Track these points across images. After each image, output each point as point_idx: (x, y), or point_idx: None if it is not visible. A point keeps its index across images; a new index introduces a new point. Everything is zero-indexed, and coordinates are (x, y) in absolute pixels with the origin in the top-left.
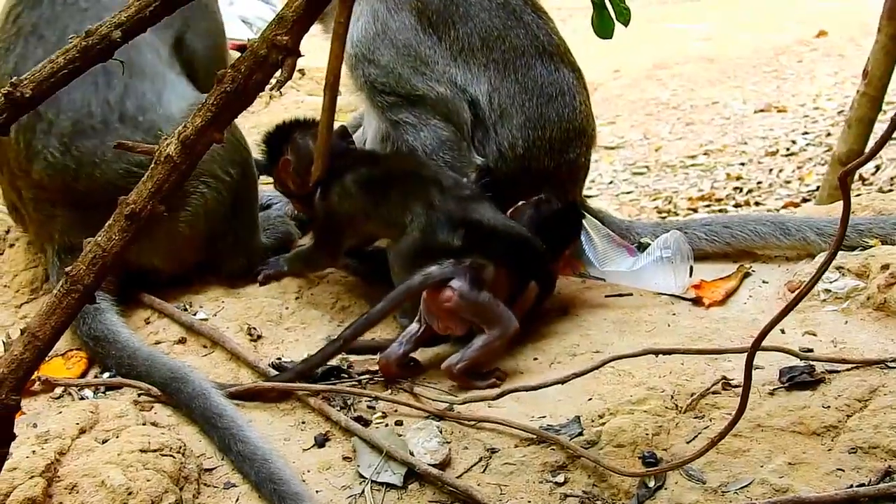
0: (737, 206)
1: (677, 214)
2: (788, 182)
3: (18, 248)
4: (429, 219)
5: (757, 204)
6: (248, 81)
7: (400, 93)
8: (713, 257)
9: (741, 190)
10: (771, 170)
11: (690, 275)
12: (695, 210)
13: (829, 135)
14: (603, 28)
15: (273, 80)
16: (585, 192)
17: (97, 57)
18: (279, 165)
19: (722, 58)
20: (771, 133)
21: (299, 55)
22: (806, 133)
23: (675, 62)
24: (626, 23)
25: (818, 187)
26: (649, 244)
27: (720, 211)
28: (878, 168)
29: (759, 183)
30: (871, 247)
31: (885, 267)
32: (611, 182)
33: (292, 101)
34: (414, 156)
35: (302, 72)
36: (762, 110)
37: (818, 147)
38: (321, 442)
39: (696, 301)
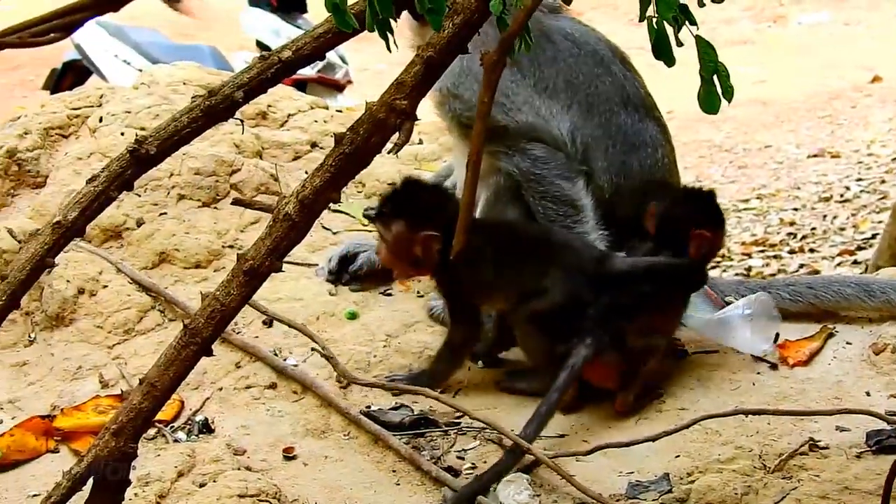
0: (791, 252)
1: (731, 259)
2: (843, 229)
3: (111, 289)
4: (568, 281)
5: (811, 251)
6: (366, 144)
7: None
8: (796, 317)
9: (795, 236)
10: (825, 216)
11: (776, 340)
12: (749, 255)
13: (883, 182)
14: (709, 103)
15: (390, 144)
16: None
17: (220, 116)
18: (419, 237)
19: (776, 101)
20: (824, 178)
21: (416, 119)
22: (860, 179)
23: (728, 105)
24: (730, 100)
25: (873, 235)
26: (733, 302)
27: (775, 257)
28: None
29: (812, 229)
30: None
31: None
32: None
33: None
34: (539, 223)
35: None
36: (816, 155)
37: (872, 194)
38: (411, 492)
39: (781, 361)
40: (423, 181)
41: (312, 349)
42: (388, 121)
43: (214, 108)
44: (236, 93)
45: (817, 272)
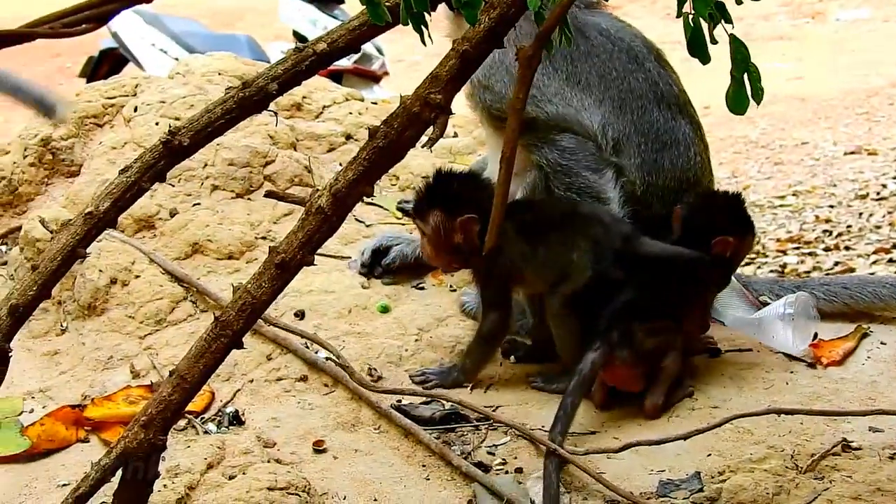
0: (826, 249)
1: (766, 256)
2: (879, 227)
3: (144, 279)
4: (596, 255)
5: (847, 248)
6: (400, 137)
7: None
8: (831, 317)
9: (830, 233)
10: (861, 213)
11: (814, 339)
12: (784, 252)
13: None
14: (738, 103)
15: (424, 138)
16: None
17: (253, 108)
18: (458, 223)
19: (813, 98)
20: (861, 176)
21: (451, 113)
22: None
23: (765, 101)
24: (759, 102)
25: None
26: (769, 302)
27: (810, 254)
28: None
29: (848, 227)
30: None
31: None
32: None
33: None
34: (568, 199)
35: None
36: (853, 152)
37: None
38: (441, 487)
39: (815, 360)
40: (453, 170)
41: (327, 358)
42: (423, 115)
43: (248, 100)
44: (270, 85)
45: (852, 270)
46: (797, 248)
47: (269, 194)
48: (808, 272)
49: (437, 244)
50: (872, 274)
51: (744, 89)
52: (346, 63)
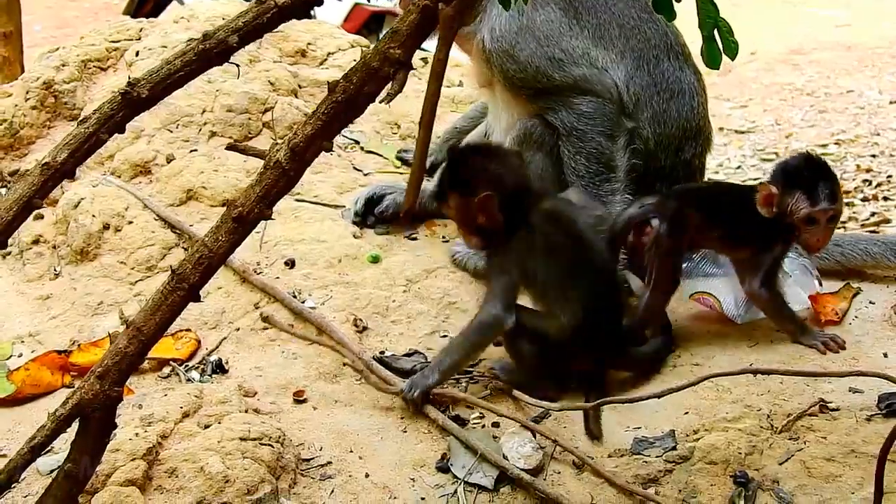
0: (864, 199)
1: None
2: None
3: (136, 224)
4: (577, 320)
5: (885, 199)
6: (359, 92)
7: (536, 86)
8: (823, 274)
9: (870, 183)
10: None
11: (820, 284)
12: None
13: None
14: (712, 59)
15: (384, 93)
16: (712, 175)
17: (214, 60)
18: (477, 200)
19: (860, 46)
20: None
21: (411, 68)
22: None
23: (812, 48)
24: (732, 56)
25: None
26: None
27: (848, 204)
28: None
29: (889, 177)
30: None
31: None
32: (738, 167)
33: (412, 89)
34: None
35: (424, 60)
36: None
37: None
38: (417, 440)
39: (815, 315)
40: (467, 147)
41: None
42: (382, 70)
43: (209, 53)
44: (231, 37)
45: (888, 221)
46: None
47: (230, 147)
48: (844, 222)
49: (464, 226)
50: None
51: (715, 44)
52: (388, 4)
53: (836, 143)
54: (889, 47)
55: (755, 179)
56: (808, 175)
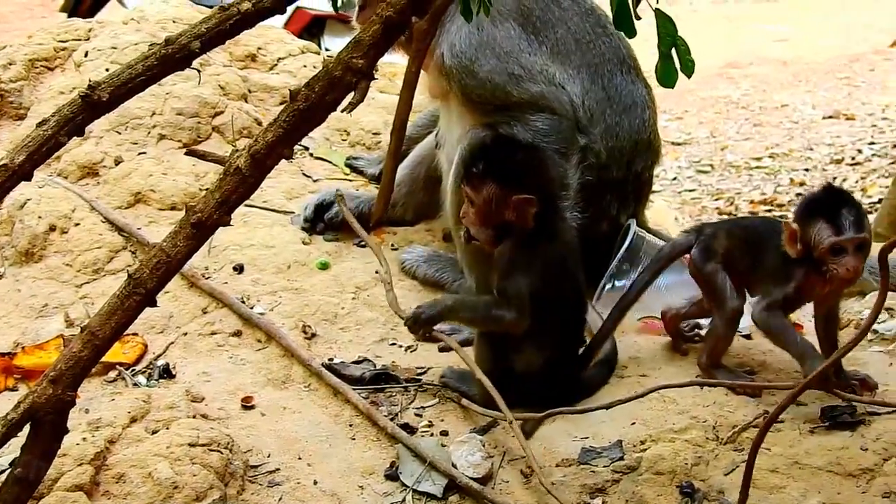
0: None
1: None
2: (851, 192)
3: (83, 227)
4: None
5: None
6: (321, 101)
7: (494, 102)
8: None
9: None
10: (835, 178)
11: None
12: (755, 214)
13: (895, 146)
14: (667, 77)
15: (345, 103)
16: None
17: (175, 65)
18: (518, 198)
19: (797, 61)
20: (838, 140)
21: (373, 78)
22: (872, 143)
23: (749, 62)
24: (689, 75)
25: (880, 199)
26: None
27: (782, 217)
28: None
29: None
30: None
31: None
32: (675, 179)
33: None
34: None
35: (375, 68)
36: (831, 117)
37: (883, 158)
38: (366, 447)
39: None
40: (515, 140)
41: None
42: (344, 79)
43: (170, 57)
44: (193, 42)
45: None
46: (769, 211)
47: (189, 153)
48: None
49: (485, 217)
50: None
51: (671, 63)
52: (329, 9)
53: (770, 157)
54: (824, 63)
55: (691, 191)
56: (828, 204)
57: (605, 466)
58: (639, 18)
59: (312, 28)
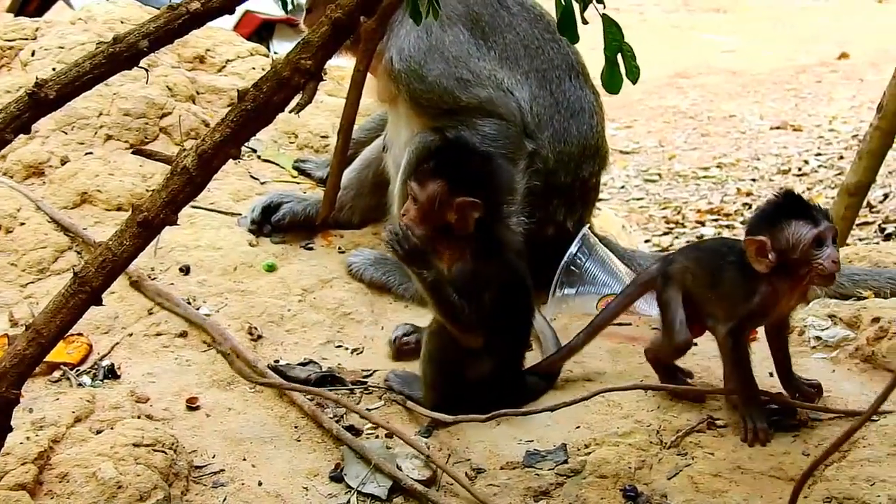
0: (744, 223)
1: (685, 227)
2: None
3: (28, 226)
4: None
5: None
6: (268, 101)
7: (442, 106)
8: None
9: (750, 207)
10: (781, 189)
11: None
12: (702, 223)
13: (841, 158)
14: (612, 83)
15: (292, 103)
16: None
17: (123, 64)
18: (461, 200)
19: (744, 72)
20: (784, 151)
21: (321, 79)
22: (819, 154)
23: (697, 72)
24: (634, 80)
25: None
26: None
27: (728, 226)
28: (886, 196)
29: None
30: (865, 298)
31: (876, 320)
32: (622, 187)
33: None
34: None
35: (325, 71)
36: (778, 127)
37: (829, 169)
38: (311, 449)
39: None
40: (468, 144)
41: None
42: (293, 80)
43: (118, 56)
44: (141, 41)
45: None
46: (716, 220)
47: (136, 152)
48: None
49: (426, 216)
50: None
51: (617, 68)
52: (279, 13)
53: (717, 167)
54: (772, 74)
55: (638, 199)
56: (794, 206)
57: (549, 470)
58: (585, 23)
59: (262, 32)
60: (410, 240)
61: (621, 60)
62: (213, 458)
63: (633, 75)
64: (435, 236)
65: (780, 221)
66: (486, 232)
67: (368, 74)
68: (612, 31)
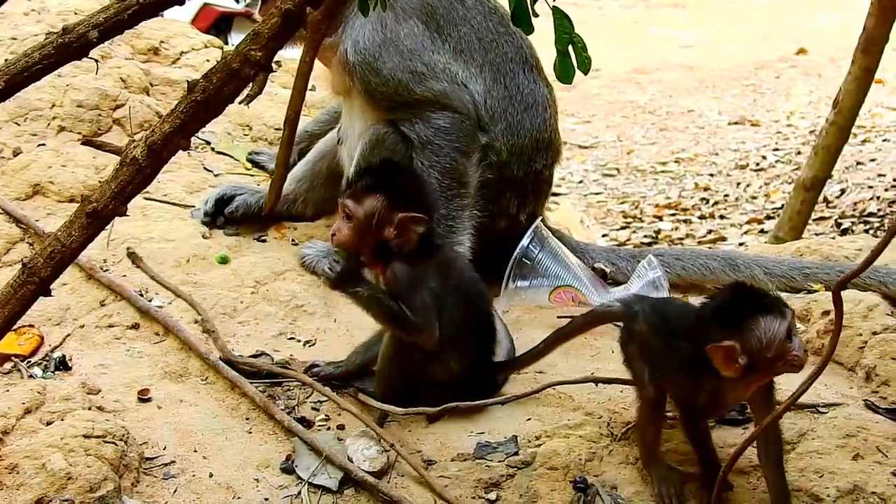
0: (702, 217)
1: (642, 221)
2: (755, 198)
3: None
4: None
5: (722, 217)
6: (218, 92)
7: (396, 99)
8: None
9: (707, 201)
10: (739, 183)
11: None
12: (660, 218)
13: (798, 153)
14: (565, 74)
15: (243, 94)
16: (555, 188)
17: (72, 55)
18: (398, 217)
19: (703, 67)
20: (742, 146)
21: (271, 71)
22: (777, 149)
23: (656, 67)
24: (585, 71)
25: (783, 205)
26: (604, 270)
27: (685, 221)
28: (842, 192)
29: (725, 196)
30: (816, 291)
31: (826, 313)
32: (580, 181)
33: (265, 92)
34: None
35: (278, 63)
36: (736, 123)
37: (787, 165)
38: (262, 440)
39: None
40: (400, 164)
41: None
42: (242, 71)
43: (67, 47)
44: (91, 32)
45: (724, 239)
46: (673, 215)
47: (86, 142)
48: (682, 239)
49: (362, 234)
50: (742, 244)
51: (569, 59)
52: (238, 6)
53: (675, 161)
54: (730, 69)
55: (596, 194)
56: (751, 297)
57: (500, 461)
58: (536, 16)
59: (220, 25)
60: (341, 263)
61: (573, 52)
62: (164, 449)
63: (584, 66)
64: (372, 255)
65: (746, 320)
66: (424, 246)
67: (324, 67)
68: (563, 23)
